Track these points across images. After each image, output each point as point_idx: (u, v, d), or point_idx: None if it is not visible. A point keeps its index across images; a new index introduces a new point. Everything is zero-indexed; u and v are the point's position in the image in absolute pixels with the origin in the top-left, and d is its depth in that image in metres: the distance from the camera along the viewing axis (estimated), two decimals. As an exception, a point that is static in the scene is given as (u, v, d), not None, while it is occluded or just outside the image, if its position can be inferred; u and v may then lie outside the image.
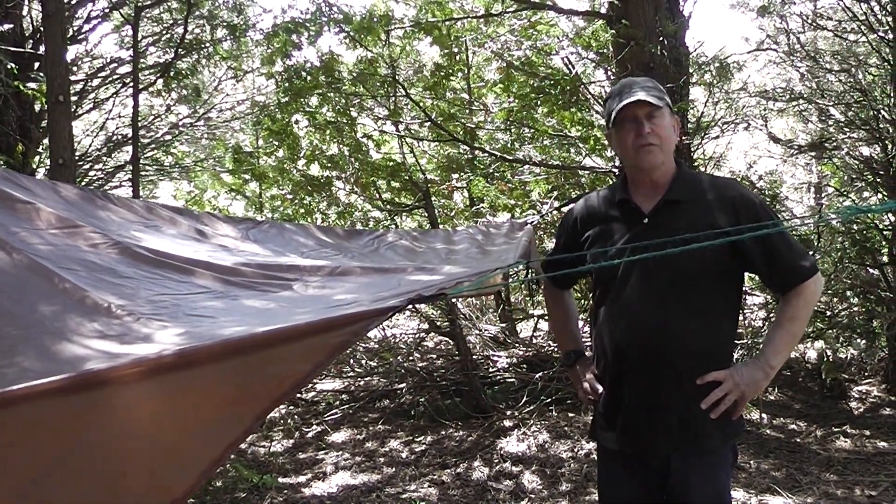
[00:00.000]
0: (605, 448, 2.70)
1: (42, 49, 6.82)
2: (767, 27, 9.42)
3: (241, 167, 11.10)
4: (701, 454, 2.51)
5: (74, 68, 9.50)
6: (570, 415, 6.98)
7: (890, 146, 7.41)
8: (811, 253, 6.23)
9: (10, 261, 2.10)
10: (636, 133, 2.54)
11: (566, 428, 6.63)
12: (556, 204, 8.27)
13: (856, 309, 7.97)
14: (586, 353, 2.92)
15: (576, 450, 6.12)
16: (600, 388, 2.68)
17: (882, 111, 7.56)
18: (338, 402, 7.97)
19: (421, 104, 9.00)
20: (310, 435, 7.14)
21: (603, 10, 7.57)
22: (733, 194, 2.56)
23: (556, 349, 8.23)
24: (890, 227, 7.57)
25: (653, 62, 6.57)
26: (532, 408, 7.02)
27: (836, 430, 6.41)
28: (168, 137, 11.38)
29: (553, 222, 8.19)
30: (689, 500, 2.49)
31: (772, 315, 7.31)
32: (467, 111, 10.00)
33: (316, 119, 9.28)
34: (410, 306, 1.97)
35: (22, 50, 8.25)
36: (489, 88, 10.16)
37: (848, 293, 8.08)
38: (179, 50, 8.44)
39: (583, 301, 7.91)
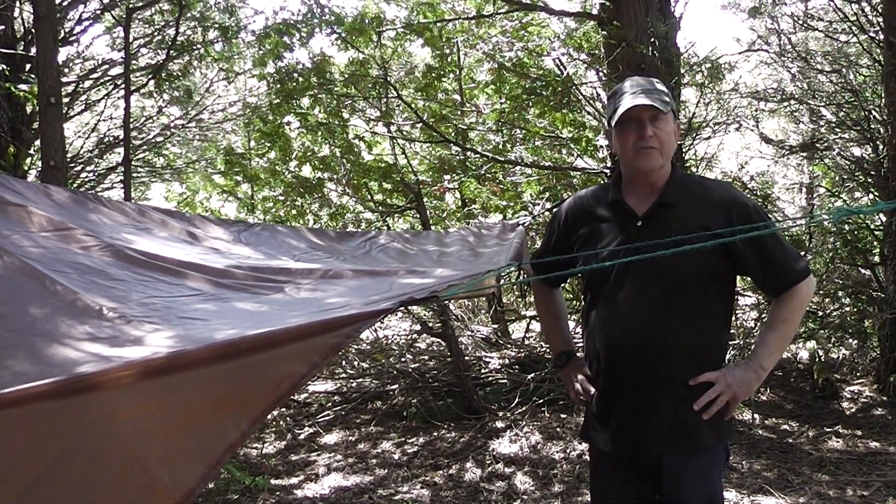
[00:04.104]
0: (598, 449, 2.70)
1: (33, 51, 6.81)
2: (759, 28, 9.46)
3: (233, 169, 11.10)
4: (693, 455, 2.52)
5: (66, 70, 9.49)
6: (563, 416, 6.97)
7: (881, 146, 7.43)
8: (803, 253, 6.24)
9: (2, 263, 2.09)
10: (638, 135, 2.53)
11: (558, 429, 6.63)
12: (548, 205, 8.27)
13: (847, 309, 7.99)
14: (577, 354, 2.90)
15: (568, 451, 6.12)
16: (592, 390, 2.67)
17: (873, 111, 7.59)
18: (330, 404, 7.95)
19: (412, 105, 9.01)
20: (302, 436, 7.12)
21: (594, 12, 7.57)
22: (726, 196, 2.56)
23: (548, 350, 8.23)
24: (881, 228, 7.59)
25: (644, 63, 6.58)
26: (524, 409, 7.02)
27: (827, 430, 6.42)
28: (160, 139, 11.39)
29: (545, 223, 8.19)
30: (682, 501, 2.49)
31: (763, 316, 7.33)
32: (459, 112, 10.00)
33: (307, 120, 9.28)
34: (402, 308, 1.97)
35: (13, 52, 8.24)
36: (481, 89, 10.18)
37: (839, 293, 8.10)
38: (171, 51, 8.41)
39: (574, 302, 7.92)
